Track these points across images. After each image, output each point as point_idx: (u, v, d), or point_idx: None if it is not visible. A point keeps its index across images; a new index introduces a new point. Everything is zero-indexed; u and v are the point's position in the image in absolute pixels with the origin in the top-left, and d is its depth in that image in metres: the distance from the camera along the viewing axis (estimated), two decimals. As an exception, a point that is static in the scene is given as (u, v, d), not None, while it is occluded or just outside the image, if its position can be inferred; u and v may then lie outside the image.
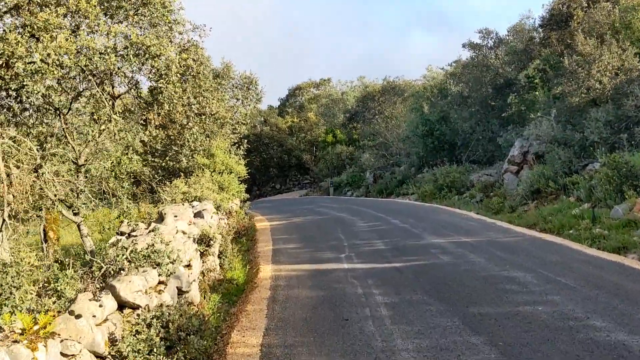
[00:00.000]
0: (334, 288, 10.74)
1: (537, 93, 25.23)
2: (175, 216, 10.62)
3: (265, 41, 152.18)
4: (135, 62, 9.92)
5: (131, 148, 19.21)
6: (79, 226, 12.28)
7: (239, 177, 21.44)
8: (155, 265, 8.04)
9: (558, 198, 19.50)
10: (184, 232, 10.37)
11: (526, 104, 26.91)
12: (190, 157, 20.52)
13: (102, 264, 7.84)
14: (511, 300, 8.97)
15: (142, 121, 20.94)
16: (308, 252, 15.60)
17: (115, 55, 9.74)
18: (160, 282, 8.23)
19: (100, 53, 9.48)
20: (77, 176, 12.14)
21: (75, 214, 12.39)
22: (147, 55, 9.88)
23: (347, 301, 9.71)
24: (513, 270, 10.87)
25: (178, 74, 11.82)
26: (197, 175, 19.45)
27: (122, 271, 7.73)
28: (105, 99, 11.76)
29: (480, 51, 37.10)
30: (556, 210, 17.92)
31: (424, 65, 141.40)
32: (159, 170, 21.04)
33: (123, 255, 7.94)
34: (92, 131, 11.95)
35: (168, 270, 8.12)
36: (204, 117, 20.95)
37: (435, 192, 28.59)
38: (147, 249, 8.30)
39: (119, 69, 9.45)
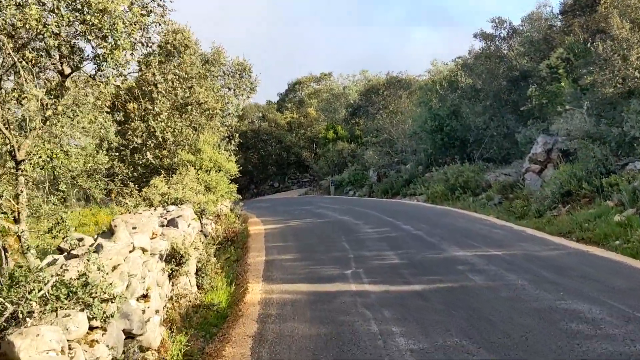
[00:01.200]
0: (339, 322, 8.24)
1: (562, 84, 22.71)
2: (135, 228, 8.12)
3: (265, 36, 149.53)
4: (68, 17, 7.39)
5: (106, 142, 16.83)
6: (19, 237, 9.82)
7: (229, 176, 18.93)
8: (84, 306, 5.56)
9: (593, 202, 16.99)
10: (143, 250, 7.88)
11: (548, 97, 24.41)
12: (173, 153, 18.03)
13: (6, 303, 5.36)
14: (586, 349, 6.49)
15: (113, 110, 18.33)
16: (306, 265, 13.12)
17: (40, 6, 7.20)
18: (94, 328, 5.75)
19: (18, 4, 6.96)
20: (16, 174, 9.68)
21: (15, 221, 9.95)
22: (86, 9, 7.38)
23: (358, 345, 7.23)
24: (572, 300, 8.37)
25: (140, 44, 9.26)
26: (180, 174, 16.97)
27: (31, 316, 5.25)
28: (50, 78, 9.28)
29: (493, 42, 34.68)
30: (593, 216, 15.44)
31: (426, 62, 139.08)
32: (138, 168, 18.55)
33: (38, 290, 5.46)
34: (35, 118, 9.48)
35: (103, 312, 5.64)
36: (190, 107, 18.50)
37: (447, 193, 26.10)
38: (77, 279, 5.82)
39: (45, 26, 6.97)
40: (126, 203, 11.87)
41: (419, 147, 34.52)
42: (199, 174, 17.32)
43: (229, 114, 20.60)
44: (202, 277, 10.64)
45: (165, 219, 11.00)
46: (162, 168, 17.98)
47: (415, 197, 29.92)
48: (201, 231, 15.11)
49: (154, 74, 18.41)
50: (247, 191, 64.82)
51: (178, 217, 10.75)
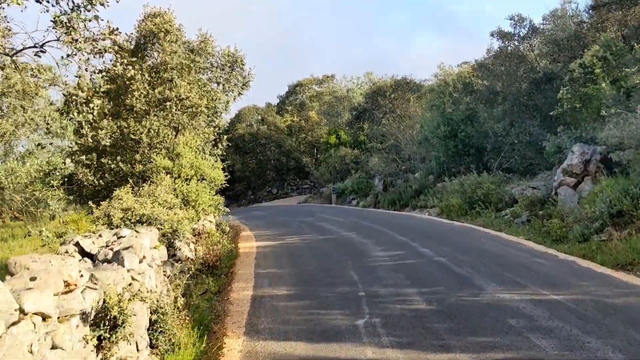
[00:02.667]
0: None
1: (602, 85, 19.76)
2: (34, 279, 5.16)
3: (266, 39, 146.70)
4: None
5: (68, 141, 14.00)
6: None
7: (214, 186, 15.96)
8: None
9: (653, 225, 14.08)
10: (45, 316, 4.92)
11: (582, 100, 21.48)
12: (146, 158, 15.09)
13: None
14: None
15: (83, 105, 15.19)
16: (305, 307, 10.13)
17: None
18: None
19: None
20: None
21: None
22: None
23: None
24: None
25: None
26: (153, 183, 14.01)
27: None
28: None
29: (511, 41, 31.81)
30: (657, 243, 12.55)
31: (430, 67, 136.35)
32: (106, 175, 15.58)
33: None
34: None
35: None
36: (169, 103, 15.56)
37: (465, 206, 23.10)
38: None
39: None
40: (41, 232, 8.83)
41: (430, 155, 31.56)
42: (176, 184, 14.36)
43: (216, 112, 17.65)
44: (159, 331, 7.65)
45: (111, 249, 8.03)
46: (133, 175, 15.03)
47: (427, 210, 26.94)
48: (173, 257, 12.15)
49: (125, 64, 15.52)
50: (244, 197, 61.93)
51: (126, 248, 7.76)
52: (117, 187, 14.38)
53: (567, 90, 22.36)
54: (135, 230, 9.18)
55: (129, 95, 15.75)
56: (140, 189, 13.59)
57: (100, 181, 15.46)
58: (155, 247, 9.53)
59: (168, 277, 10.18)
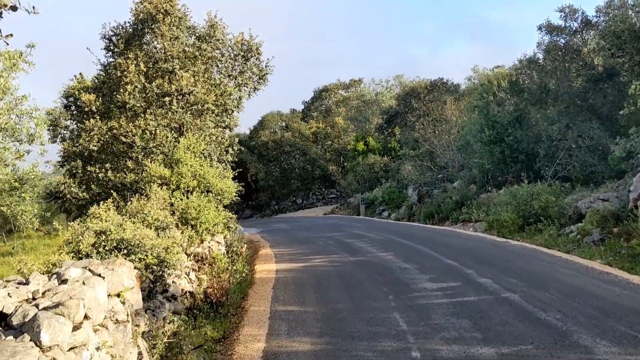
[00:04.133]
0: None
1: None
2: None
3: (288, 45, 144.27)
4: None
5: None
6: None
7: (224, 199, 13.01)
8: None
9: None
10: None
11: (660, 97, 18.14)
12: (140, 165, 12.27)
13: None
14: None
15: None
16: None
17: None
18: None
19: None
20: None
21: None
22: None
23: None
24: None
25: None
26: (145, 197, 11.16)
27: None
28: None
29: (561, 35, 28.51)
30: None
31: (462, 74, 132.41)
32: (93, 186, 12.78)
33: None
34: None
35: None
36: (168, 99, 12.73)
37: (519, 221, 19.82)
38: None
39: None
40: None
41: (470, 162, 28.30)
42: (174, 196, 11.49)
43: (227, 110, 14.74)
44: None
45: (37, 305, 5.13)
46: (123, 187, 12.21)
47: (471, 224, 23.68)
48: (164, 293, 9.28)
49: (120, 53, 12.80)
50: (267, 208, 59.14)
51: (56, 306, 4.83)
52: (105, 201, 11.58)
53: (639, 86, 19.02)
54: (90, 270, 6.27)
55: (121, 90, 12.98)
56: (129, 204, 10.75)
57: (85, 194, 12.67)
58: (119, 294, 6.60)
59: (145, 333, 7.24)
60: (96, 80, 14.83)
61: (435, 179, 31.89)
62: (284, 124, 59.57)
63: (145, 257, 8.58)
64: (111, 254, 8.78)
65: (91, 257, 8.79)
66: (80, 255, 8.82)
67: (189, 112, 13.35)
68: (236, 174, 14.28)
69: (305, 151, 55.19)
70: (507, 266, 13.36)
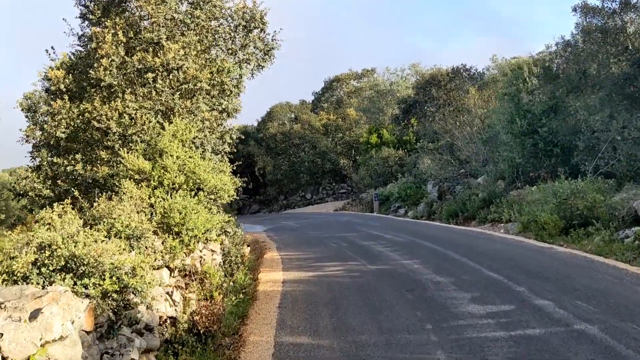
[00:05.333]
0: None
1: None
2: None
3: (294, 35, 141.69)
4: None
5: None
6: None
7: (220, 198, 10.58)
8: None
9: None
10: None
11: None
12: (114, 157, 9.91)
13: None
14: None
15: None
16: None
17: None
18: None
19: None
20: None
21: None
22: None
23: None
24: None
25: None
26: (116, 195, 8.81)
27: None
28: None
29: (598, 16, 25.90)
30: None
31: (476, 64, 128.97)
32: (59, 182, 10.46)
33: None
34: None
35: None
36: (151, 75, 10.34)
37: (560, 223, 17.31)
38: None
39: None
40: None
41: (499, 155, 25.74)
42: (155, 195, 9.12)
43: (224, 90, 12.27)
44: None
45: None
46: (94, 183, 9.85)
47: (501, 225, 21.18)
48: (132, 325, 6.92)
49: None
50: (275, 202, 56.81)
51: None
52: (76, 200, 9.23)
53: None
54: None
55: (96, 65, 10.62)
56: (94, 207, 8.40)
57: (49, 191, 10.34)
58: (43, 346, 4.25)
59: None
60: (72, 56, 12.49)
61: (457, 174, 29.36)
62: (293, 116, 57.26)
63: (102, 282, 6.23)
64: (57, 275, 6.46)
65: (29, 280, 6.49)
66: (16, 278, 6.52)
67: (177, 92, 10.98)
68: (234, 168, 11.90)
69: (315, 144, 52.87)
70: (566, 282, 10.90)
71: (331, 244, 19.61)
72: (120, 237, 7.81)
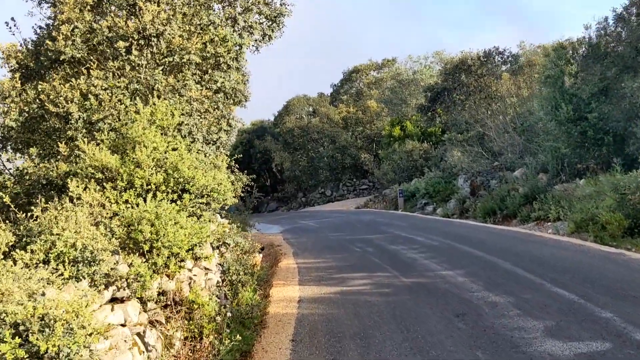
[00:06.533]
0: None
1: None
2: None
3: (309, 28, 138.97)
4: None
5: None
6: None
7: (210, 201, 8.16)
8: None
9: None
10: None
11: None
12: (75, 150, 7.61)
13: None
14: None
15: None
16: None
17: None
18: None
19: None
20: None
21: None
22: None
23: None
24: None
25: None
26: (70, 201, 6.48)
27: None
28: None
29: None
30: None
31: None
32: (8, 183, 8.18)
33: None
34: None
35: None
36: (124, 44, 7.99)
37: (625, 223, 14.68)
38: None
39: None
40: None
41: (541, 146, 23.08)
42: (121, 202, 6.77)
43: (219, 65, 9.86)
44: None
45: None
46: (49, 184, 7.55)
47: (549, 223, 18.57)
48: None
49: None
50: (294, 200, 54.51)
51: None
52: (31, 205, 6.92)
53: None
54: None
55: (54, 34, 8.33)
56: (33, 219, 6.10)
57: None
58: None
59: None
60: (38, 29, 10.24)
61: (491, 167, 26.73)
62: (311, 109, 54.88)
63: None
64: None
65: None
66: None
67: (159, 67, 8.65)
68: (232, 163, 9.52)
69: (334, 138, 50.44)
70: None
71: (355, 248, 17.21)
72: (63, 262, 5.50)
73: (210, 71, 9.82)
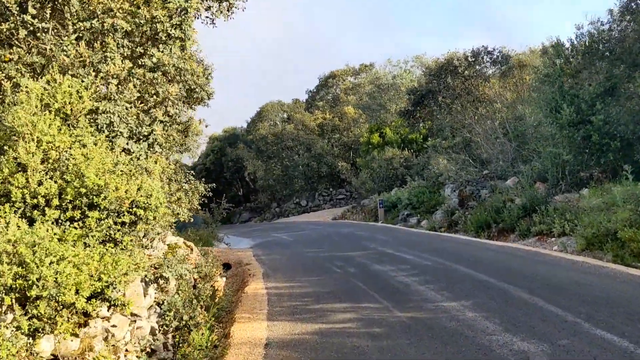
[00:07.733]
0: None
1: None
2: None
3: (282, 33, 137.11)
4: None
5: None
6: None
7: (136, 221, 5.75)
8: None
9: None
10: None
11: None
12: None
13: None
14: None
15: None
16: None
17: None
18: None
19: None
20: None
21: None
22: None
23: None
24: None
25: None
26: None
27: None
28: None
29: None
30: None
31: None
32: None
33: None
34: None
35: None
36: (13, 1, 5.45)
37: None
38: None
39: None
40: None
41: (537, 152, 21.05)
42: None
43: (157, 34, 7.34)
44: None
45: None
46: None
47: (552, 239, 16.48)
48: None
49: None
50: (267, 210, 52.02)
51: None
52: None
53: None
54: None
55: None
56: None
57: None
58: None
59: None
60: None
61: (480, 175, 24.66)
62: (285, 115, 52.60)
63: None
64: None
65: None
66: None
67: (73, 35, 6.22)
68: (188, 170, 7.08)
69: (309, 146, 48.18)
70: None
71: (334, 268, 14.86)
72: None
73: (145, 42, 7.41)
